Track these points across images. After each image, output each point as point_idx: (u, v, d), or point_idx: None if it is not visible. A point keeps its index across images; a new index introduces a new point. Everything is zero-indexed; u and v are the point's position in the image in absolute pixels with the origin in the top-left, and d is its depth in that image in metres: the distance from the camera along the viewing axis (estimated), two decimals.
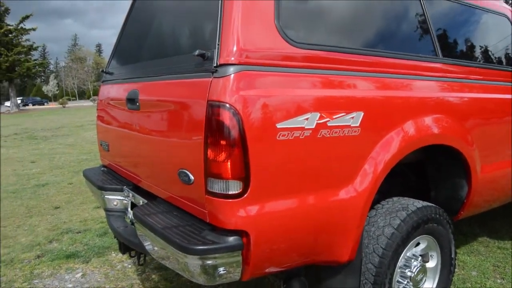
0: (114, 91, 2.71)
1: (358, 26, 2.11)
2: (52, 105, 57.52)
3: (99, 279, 3.17)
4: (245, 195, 1.60)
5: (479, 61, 2.74)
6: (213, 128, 1.60)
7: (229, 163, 1.57)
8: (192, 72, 1.79)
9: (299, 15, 1.87)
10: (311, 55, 1.80)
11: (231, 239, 1.62)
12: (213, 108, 1.60)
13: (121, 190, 2.55)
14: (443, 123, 2.26)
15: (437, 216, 2.27)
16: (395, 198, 2.31)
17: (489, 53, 2.85)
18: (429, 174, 2.72)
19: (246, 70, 1.62)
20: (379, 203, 2.26)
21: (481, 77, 2.63)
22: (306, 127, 1.70)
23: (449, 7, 2.60)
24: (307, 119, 1.70)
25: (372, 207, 2.19)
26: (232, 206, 1.60)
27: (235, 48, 1.62)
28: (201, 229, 1.73)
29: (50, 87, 77.41)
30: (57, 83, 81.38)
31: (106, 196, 2.61)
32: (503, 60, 2.93)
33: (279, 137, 1.64)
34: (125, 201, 2.54)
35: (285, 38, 1.73)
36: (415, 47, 2.32)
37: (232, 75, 1.59)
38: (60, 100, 49.44)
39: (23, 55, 40.28)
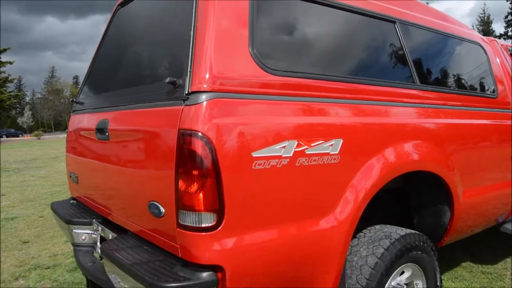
0: (83, 121, 2.60)
1: (335, 53, 2.08)
2: (27, 137, 56.35)
3: None
4: (219, 228, 1.50)
5: (456, 87, 2.74)
6: (185, 158, 1.51)
7: (201, 194, 1.48)
8: (163, 100, 1.71)
9: (274, 42, 1.83)
10: (287, 82, 1.74)
11: (205, 275, 1.51)
12: (185, 137, 1.52)
13: (90, 224, 2.41)
14: (423, 149, 2.22)
15: (421, 243, 2.20)
16: (377, 226, 2.23)
17: (465, 79, 2.86)
18: (411, 201, 2.67)
19: (219, 97, 1.55)
20: (361, 231, 2.18)
21: (458, 103, 2.62)
22: (283, 156, 1.63)
23: (425, 36, 2.61)
24: (284, 147, 1.63)
25: (354, 236, 2.12)
26: (205, 239, 1.50)
27: (207, 75, 1.55)
28: (173, 265, 1.62)
29: (25, 119, 76.11)
30: (32, 115, 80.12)
31: (74, 230, 2.46)
32: (478, 86, 2.95)
33: (255, 166, 1.56)
34: (94, 235, 2.40)
35: (260, 65, 1.68)
36: (393, 74, 2.30)
37: (205, 103, 1.52)
38: (35, 132, 48.50)
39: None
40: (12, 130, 65.54)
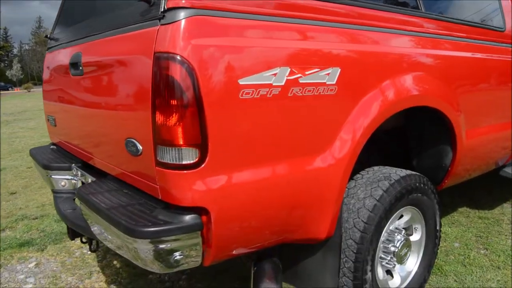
0: (58, 57, 2.37)
1: None
2: (17, 90, 55.35)
3: (54, 268, 2.88)
4: (203, 165, 1.33)
5: (462, 17, 2.50)
6: (161, 86, 1.32)
7: (181, 127, 1.30)
8: (137, 23, 1.49)
9: None
10: (281, 1, 1.52)
11: (188, 218, 1.36)
12: (161, 61, 1.32)
13: (69, 169, 2.25)
14: (426, 82, 2.03)
15: (422, 185, 2.06)
16: (375, 167, 2.09)
17: (471, 9, 2.62)
18: (411, 141, 2.52)
19: (200, 15, 1.33)
20: (359, 173, 2.04)
21: (465, 34, 2.41)
22: (274, 84, 1.43)
23: None
24: (275, 74, 1.43)
25: (351, 178, 1.98)
26: (187, 178, 1.33)
27: None
28: (153, 208, 1.47)
29: (14, 72, 74.42)
30: (21, 67, 78.31)
31: (52, 176, 2.31)
32: (485, 18, 2.71)
33: (242, 96, 1.37)
34: (74, 181, 2.25)
35: None
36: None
37: (183, 21, 1.30)
38: (25, 84, 47.58)
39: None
40: (2, 84, 64.33)
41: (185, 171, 1.33)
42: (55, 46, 2.49)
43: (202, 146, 1.32)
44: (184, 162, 1.32)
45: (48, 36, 2.63)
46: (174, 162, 1.33)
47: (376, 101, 1.76)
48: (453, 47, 2.29)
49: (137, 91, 1.46)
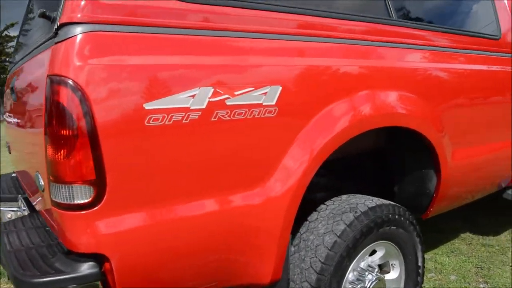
0: (9, 80, 2.25)
1: None
2: None
3: None
4: (100, 205, 1.14)
5: (447, 24, 2.25)
6: (52, 114, 1.14)
7: (71, 161, 1.11)
8: (43, 43, 1.33)
9: None
10: (198, 9, 1.31)
11: (84, 266, 1.17)
12: (52, 85, 1.14)
13: (16, 200, 2.09)
14: (400, 99, 1.80)
15: (396, 216, 1.81)
16: (344, 197, 1.85)
17: (459, 15, 2.37)
18: (392, 165, 2.27)
19: (100, 30, 1.15)
20: (324, 203, 1.81)
21: (451, 44, 2.16)
22: (192, 108, 1.23)
23: None
24: (193, 96, 1.23)
25: (315, 209, 1.75)
26: (81, 220, 1.14)
27: (83, 1, 1.15)
28: (56, 252, 1.27)
29: None
30: None
31: (1, 208, 2.15)
32: (476, 24, 2.45)
33: (149, 123, 1.17)
34: (20, 213, 2.08)
35: None
36: (359, 5, 1.85)
37: (78, 37, 1.12)
38: None
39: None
40: None
41: (78, 212, 1.14)
42: (11, 69, 2.37)
43: (98, 183, 1.12)
44: (76, 202, 1.13)
45: (8, 59, 2.52)
46: (66, 202, 1.14)
47: (330, 122, 1.53)
48: (435, 59, 2.05)
49: (37, 119, 1.29)
